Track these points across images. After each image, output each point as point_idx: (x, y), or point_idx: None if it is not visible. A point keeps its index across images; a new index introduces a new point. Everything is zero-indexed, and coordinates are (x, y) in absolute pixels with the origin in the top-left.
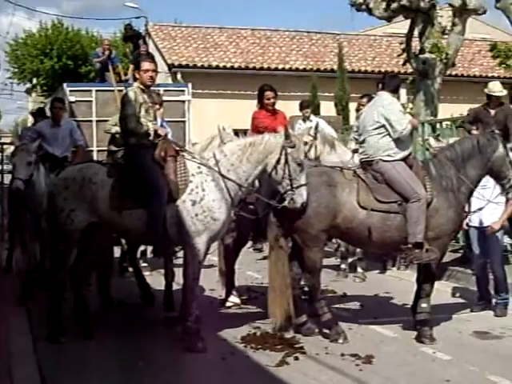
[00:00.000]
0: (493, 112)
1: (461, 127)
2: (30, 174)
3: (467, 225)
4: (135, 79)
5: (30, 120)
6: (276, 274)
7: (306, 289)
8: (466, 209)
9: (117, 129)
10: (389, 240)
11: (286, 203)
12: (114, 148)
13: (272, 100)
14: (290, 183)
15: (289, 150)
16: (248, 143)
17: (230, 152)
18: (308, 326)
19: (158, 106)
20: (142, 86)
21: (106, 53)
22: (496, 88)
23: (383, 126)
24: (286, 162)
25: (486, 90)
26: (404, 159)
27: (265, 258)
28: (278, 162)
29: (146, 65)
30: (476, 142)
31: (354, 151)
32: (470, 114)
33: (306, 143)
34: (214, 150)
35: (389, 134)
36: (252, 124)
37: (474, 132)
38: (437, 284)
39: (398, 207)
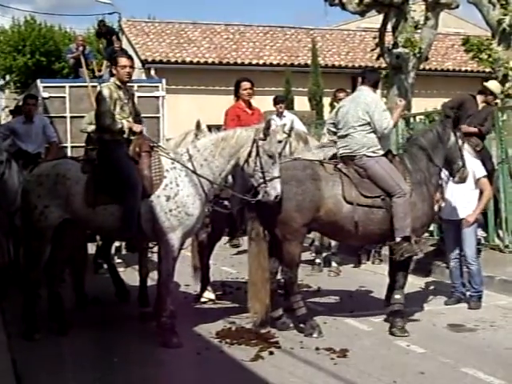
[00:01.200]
0: (480, 106)
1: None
2: (2, 173)
3: (440, 218)
4: (112, 75)
5: (4, 117)
6: (257, 268)
7: (282, 282)
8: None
9: (93, 127)
10: (370, 233)
11: (259, 197)
12: (91, 146)
13: (248, 90)
14: (262, 176)
15: (260, 143)
16: (220, 138)
17: (203, 147)
18: (283, 321)
19: None
20: (118, 82)
21: (80, 48)
22: (498, 90)
23: (368, 123)
24: (258, 154)
25: (487, 85)
26: (385, 154)
27: (239, 252)
28: (249, 154)
29: (123, 61)
30: (436, 132)
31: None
32: (456, 98)
33: (280, 141)
34: (188, 145)
35: (374, 131)
36: (224, 119)
37: None
38: (411, 277)
39: (382, 202)
